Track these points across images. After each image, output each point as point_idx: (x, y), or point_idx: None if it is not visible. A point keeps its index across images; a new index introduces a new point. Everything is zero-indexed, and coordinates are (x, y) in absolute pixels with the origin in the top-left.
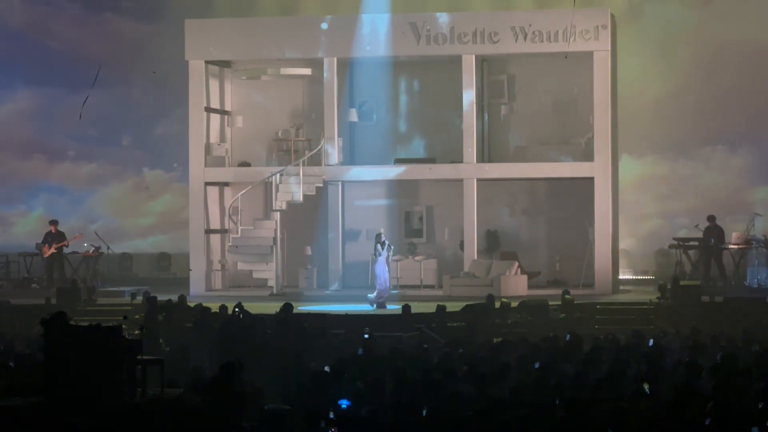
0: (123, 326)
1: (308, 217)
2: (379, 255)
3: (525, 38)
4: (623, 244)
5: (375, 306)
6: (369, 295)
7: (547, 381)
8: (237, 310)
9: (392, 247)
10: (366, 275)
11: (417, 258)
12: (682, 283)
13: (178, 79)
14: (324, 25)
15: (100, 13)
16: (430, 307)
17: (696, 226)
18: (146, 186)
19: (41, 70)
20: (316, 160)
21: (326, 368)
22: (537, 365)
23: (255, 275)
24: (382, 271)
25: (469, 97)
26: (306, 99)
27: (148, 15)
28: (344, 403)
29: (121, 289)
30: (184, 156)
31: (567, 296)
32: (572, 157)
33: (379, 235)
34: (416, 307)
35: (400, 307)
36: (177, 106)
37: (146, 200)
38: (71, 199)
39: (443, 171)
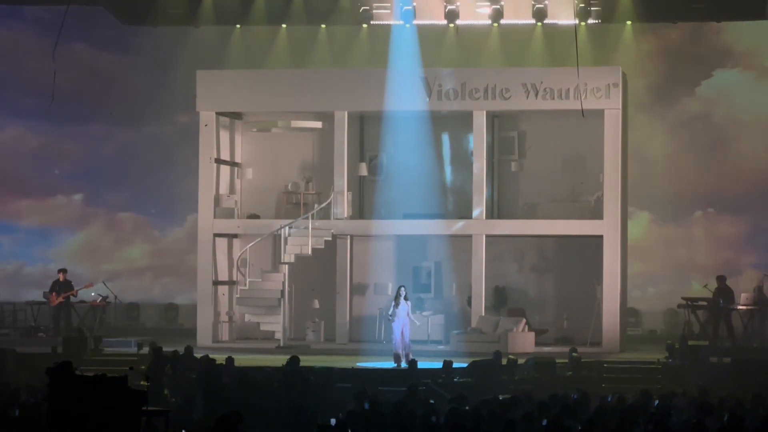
0: (128, 377)
1: (316, 271)
2: (391, 311)
3: (536, 95)
4: (631, 303)
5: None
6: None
7: None
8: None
9: (408, 302)
10: (373, 329)
11: (425, 313)
12: (690, 342)
13: (174, 127)
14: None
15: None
16: (437, 363)
17: (705, 286)
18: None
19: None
20: (325, 214)
21: (332, 422)
22: (544, 422)
23: (262, 327)
24: (395, 327)
25: (479, 153)
26: (316, 152)
27: (157, 63)
28: None
29: (128, 339)
30: (164, 201)
31: (574, 354)
32: (581, 215)
33: (397, 289)
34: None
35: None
36: (170, 153)
37: (114, 245)
38: (17, 240)
39: (452, 226)
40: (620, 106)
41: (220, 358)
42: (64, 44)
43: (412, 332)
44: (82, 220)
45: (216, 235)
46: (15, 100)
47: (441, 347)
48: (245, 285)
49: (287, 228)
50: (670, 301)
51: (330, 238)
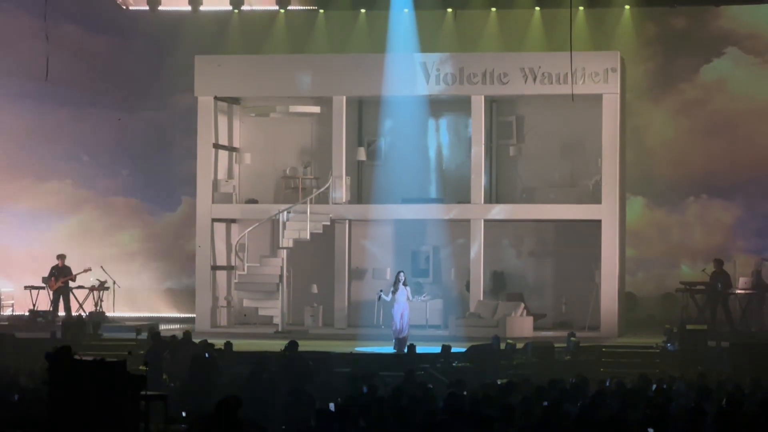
0: (127, 361)
1: (315, 255)
2: (390, 296)
3: (534, 80)
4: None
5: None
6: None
7: (552, 423)
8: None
9: (407, 287)
10: (372, 314)
11: (423, 298)
12: (688, 327)
13: (170, 112)
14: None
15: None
16: (435, 347)
17: (703, 270)
18: None
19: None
20: (323, 199)
21: (330, 407)
22: (545, 404)
23: (260, 312)
24: (395, 312)
25: (477, 137)
26: (314, 137)
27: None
28: None
29: (127, 323)
30: (158, 186)
31: (572, 338)
32: (580, 199)
33: (396, 274)
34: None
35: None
36: (165, 138)
37: (106, 230)
38: (8, 224)
39: (450, 211)
40: (618, 91)
41: (218, 342)
42: (58, 26)
43: (412, 314)
44: (75, 204)
45: (214, 219)
46: (7, 82)
47: (439, 332)
48: (243, 270)
49: (285, 213)
50: (662, 285)
51: (328, 223)
